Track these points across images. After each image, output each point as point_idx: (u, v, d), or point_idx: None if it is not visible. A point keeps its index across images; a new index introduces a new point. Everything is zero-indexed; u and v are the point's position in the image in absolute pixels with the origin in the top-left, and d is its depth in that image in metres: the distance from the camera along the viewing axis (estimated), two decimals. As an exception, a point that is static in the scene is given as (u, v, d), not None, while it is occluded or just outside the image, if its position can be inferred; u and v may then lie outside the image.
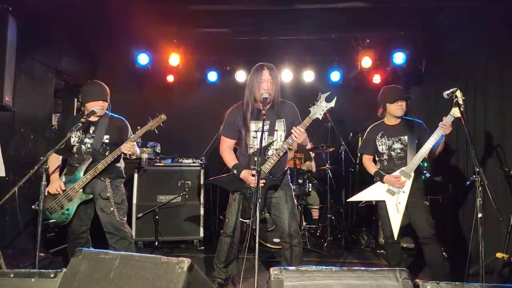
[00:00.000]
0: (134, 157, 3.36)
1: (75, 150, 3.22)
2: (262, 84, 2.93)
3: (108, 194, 3.20)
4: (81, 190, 3.14)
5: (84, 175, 3.14)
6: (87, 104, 3.21)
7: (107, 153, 3.23)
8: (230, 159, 3.09)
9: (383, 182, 3.21)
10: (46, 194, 3.10)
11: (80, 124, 3.02)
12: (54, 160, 3.23)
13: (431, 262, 3.14)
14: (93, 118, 3.23)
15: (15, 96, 3.72)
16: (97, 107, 3.18)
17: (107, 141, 3.28)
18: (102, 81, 3.31)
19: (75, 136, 3.22)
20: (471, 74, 4.40)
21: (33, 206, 2.83)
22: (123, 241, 3.23)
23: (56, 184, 3.14)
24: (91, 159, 3.18)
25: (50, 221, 3.12)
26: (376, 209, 4.83)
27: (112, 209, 3.20)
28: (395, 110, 3.27)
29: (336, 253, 4.71)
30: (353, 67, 5.81)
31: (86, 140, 3.24)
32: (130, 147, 3.17)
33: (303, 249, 3.13)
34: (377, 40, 5.47)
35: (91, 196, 3.18)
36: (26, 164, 3.77)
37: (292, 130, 2.82)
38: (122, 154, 3.32)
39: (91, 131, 3.26)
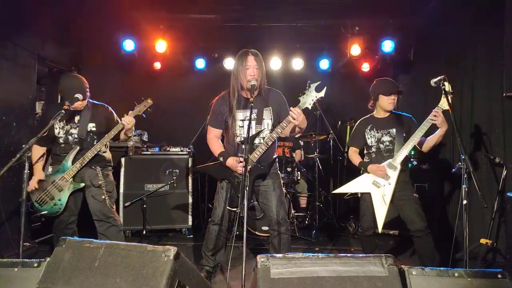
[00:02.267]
0: (130, 135, 3.29)
1: (61, 140, 3.19)
2: (248, 71, 2.89)
3: (100, 182, 3.20)
4: (71, 179, 3.11)
5: (72, 164, 3.11)
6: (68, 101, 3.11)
7: (94, 142, 3.21)
8: (216, 147, 3.06)
9: (368, 172, 3.21)
10: (34, 187, 3.08)
11: (63, 111, 2.94)
12: (37, 152, 3.19)
13: (422, 254, 3.13)
14: (77, 107, 3.18)
15: (-4, 82, 3.62)
16: (81, 104, 3.16)
17: (93, 129, 3.25)
18: (87, 67, 3.24)
19: (60, 128, 3.18)
20: (459, 63, 4.42)
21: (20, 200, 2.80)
22: (113, 228, 3.22)
23: (34, 181, 3.10)
24: (78, 148, 3.15)
25: (42, 213, 3.09)
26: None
27: (103, 197, 3.19)
28: (387, 103, 3.25)
29: (324, 241, 4.76)
30: (342, 55, 5.79)
31: (72, 130, 3.20)
32: (130, 120, 3.15)
33: (291, 237, 3.14)
34: (366, 27, 5.45)
35: (83, 184, 3.16)
36: (8, 152, 3.67)
37: (290, 111, 2.75)
38: (108, 144, 3.30)
39: (76, 120, 3.22)
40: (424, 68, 5.25)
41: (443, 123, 2.98)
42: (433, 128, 3.08)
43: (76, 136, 3.19)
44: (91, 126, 3.25)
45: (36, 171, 3.16)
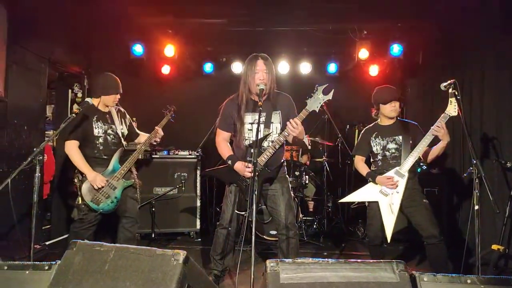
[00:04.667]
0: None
1: (101, 141, 3.26)
2: (257, 75, 2.88)
3: (136, 183, 3.39)
4: (122, 178, 3.27)
5: (121, 165, 3.27)
6: (106, 97, 3.28)
7: (124, 143, 3.45)
8: (225, 150, 3.06)
9: (376, 183, 3.15)
10: (94, 187, 3.14)
11: (73, 115, 2.98)
12: (79, 152, 3.19)
13: (434, 262, 3.06)
14: (104, 109, 3.33)
15: (7, 87, 3.66)
16: (115, 101, 3.34)
17: (123, 131, 3.44)
18: (97, 71, 3.33)
19: (98, 127, 3.27)
20: (468, 67, 4.39)
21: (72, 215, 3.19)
22: (137, 225, 3.42)
23: (100, 178, 3.14)
24: (122, 148, 3.35)
25: (100, 211, 3.18)
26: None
27: (136, 195, 3.40)
28: (389, 111, 3.21)
29: (332, 245, 4.73)
30: (350, 58, 5.77)
31: (109, 131, 3.31)
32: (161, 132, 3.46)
33: (299, 241, 3.12)
34: (374, 31, 5.43)
35: (133, 181, 3.34)
36: (19, 156, 3.72)
37: (287, 123, 2.78)
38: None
39: (108, 121, 3.35)
40: (433, 72, 5.22)
41: (445, 136, 2.95)
42: (437, 138, 3.02)
43: (113, 137, 3.32)
44: (120, 129, 3.41)
45: (88, 169, 3.14)
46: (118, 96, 3.35)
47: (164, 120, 3.57)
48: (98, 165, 3.22)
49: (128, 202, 3.33)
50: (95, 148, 3.24)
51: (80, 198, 3.14)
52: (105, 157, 3.25)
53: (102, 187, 3.14)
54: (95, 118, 3.23)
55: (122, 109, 3.54)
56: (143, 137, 3.56)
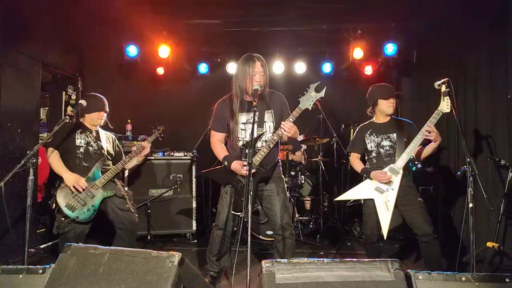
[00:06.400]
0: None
1: (82, 150, 3.29)
2: (255, 77, 2.88)
3: (122, 193, 3.33)
4: (102, 188, 3.23)
5: (102, 174, 3.26)
6: (90, 115, 3.35)
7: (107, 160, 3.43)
8: (220, 151, 3.06)
9: (371, 178, 3.16)
10: (70, 190, 3.13)
11: (67, 117, 2.99)
12: (58, 157, 3.24)
13: (429, 260, 3.06)
14: (91, 127, 3.41)
15: (1, 89, 3.63)
16: (100, 118, 3.37)
17: (108, 149, 3.46)
18: (91, 73, 3.31)
19: (81, 139, 3.31)
20: (462, 66, 4.40)
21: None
22: (134, 235, 3.38)
23: (81, 181, 3.15)
24: (105, 159, 3.34)
25: (76, 218, 3.11)
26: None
27: (127, 205, 3.32)
28: (387, 107, 3.23)
29: (329, 245, 4.73)
30: (344, 58, 5.79)
31: (92, 143, 3.35)
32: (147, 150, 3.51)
33: (296, 241, 3.13)
34: (368, 31, 5.45)
35: (113, 192, 3.27)
36: (13, 159, 3.69)
37: (281, 125, 2.79)
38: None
39: (93, 135, 3.39)
40: (427, 71, 5.24)
41: (437, 137, 2.97)
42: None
43: (96, 148, 3.34)
44: (106, 146, 3.44)
45: (65, 172, 3.18)
46: (103, 113, 3.38)
47: (152, 137, 3.66)
48: (78, 172, 3.21)
49: (120, 213, 3.28)
50: (75, 158, 3.28)
51: (54, 203, 3.13)
52: (86, 164, 3.27)
53: (81, 192, 3.12)
54: (79, 131, 3.32)
55: (113, 135, 3.62)
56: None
